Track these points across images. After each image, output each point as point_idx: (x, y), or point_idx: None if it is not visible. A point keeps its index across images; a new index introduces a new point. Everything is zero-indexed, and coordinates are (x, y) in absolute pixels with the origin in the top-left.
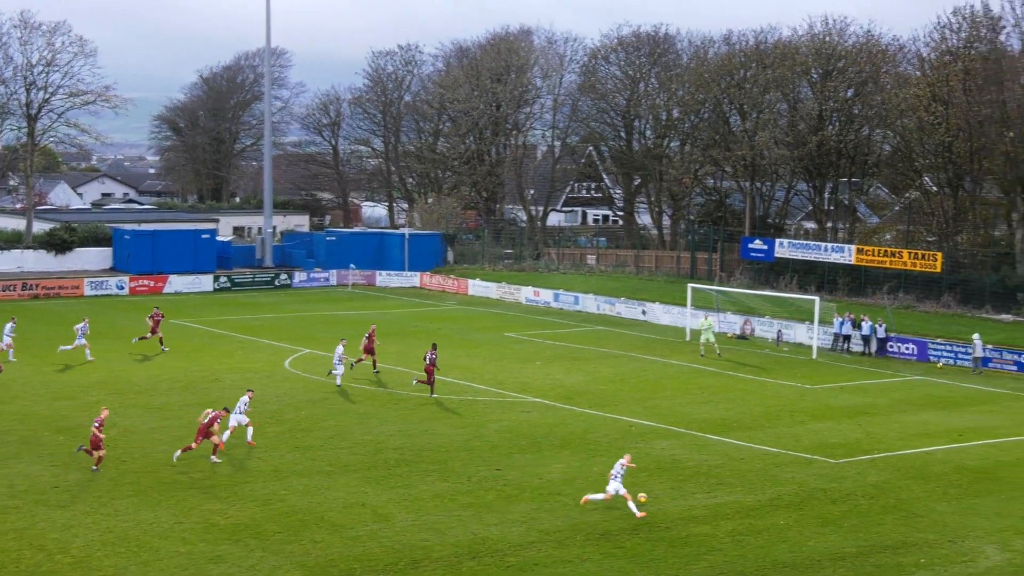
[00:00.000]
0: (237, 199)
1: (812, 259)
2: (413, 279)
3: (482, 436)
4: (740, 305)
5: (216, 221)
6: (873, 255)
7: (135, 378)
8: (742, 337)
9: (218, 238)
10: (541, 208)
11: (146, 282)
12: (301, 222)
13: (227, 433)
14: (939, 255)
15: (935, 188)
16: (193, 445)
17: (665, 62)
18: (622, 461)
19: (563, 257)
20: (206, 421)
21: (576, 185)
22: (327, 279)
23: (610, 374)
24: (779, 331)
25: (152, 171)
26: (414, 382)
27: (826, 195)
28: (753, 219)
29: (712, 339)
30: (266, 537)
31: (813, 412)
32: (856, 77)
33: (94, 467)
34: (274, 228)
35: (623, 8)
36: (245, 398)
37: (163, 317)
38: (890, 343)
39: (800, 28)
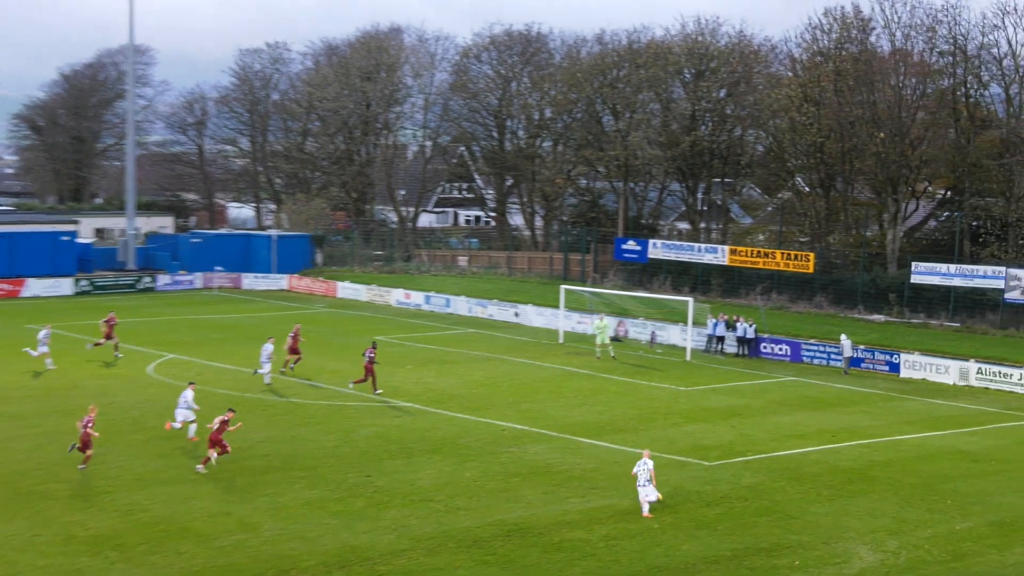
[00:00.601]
0: (99, 200)
1: (686, 260)
2: (281, 282)
3: (352, 442)
4: (614, 307)
5: (77, 223)
6: (746, 256)
7: None
8: (616, 339)
9: (79, 240)
10: (412, 209)
11: (3, 286)
12: (165, 223)
13: (178, 425)
14: (811, 256)
15: (807, 188)
16: (212, 456)
17: (537, 61)
18: (647, 464)
19: (434, 259)
20: (216, 427)
21: (447, 186)
22: (192, 282)
23: (482, 377)
24: (653, 333)
25: (9, 171)
26: (350, 385)
27: (699, 195)
28: (626, 220)
29: (607, 341)
30: (128, 549)
31: (688, 414)
32: (728, 77)
33: (81, 465)
34: (137, 230)
35: (495, 6)
36: (189, 393)
37: (117, 322)
38: (763, 344)
39: (673, 28)
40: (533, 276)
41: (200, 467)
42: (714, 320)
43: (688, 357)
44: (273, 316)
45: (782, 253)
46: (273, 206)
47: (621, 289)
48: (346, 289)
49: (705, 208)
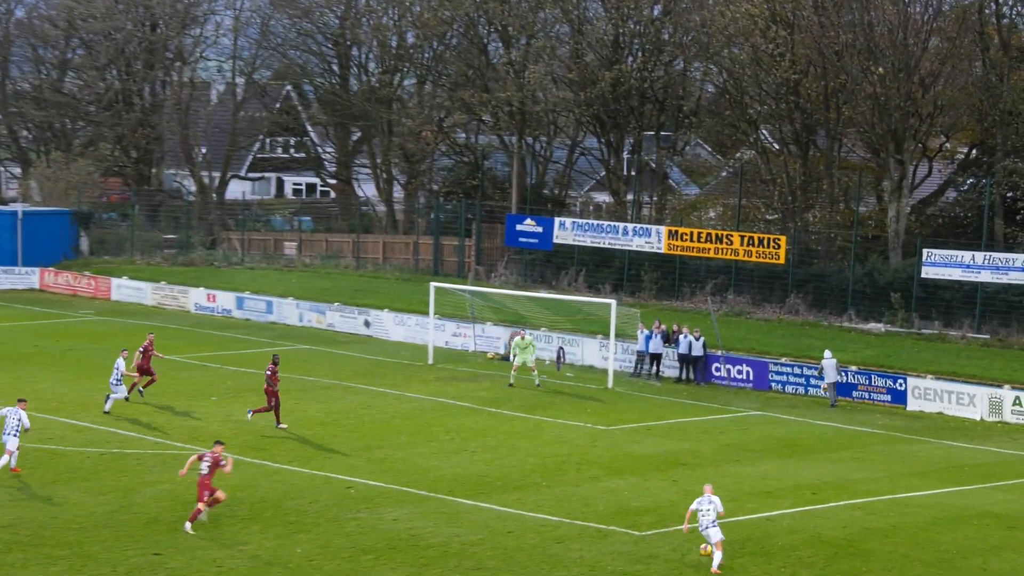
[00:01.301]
0: None
1: (606, 246)
2: (29, 278)
3: (133, 506)
4: (504, 312)
5: None
6: (691, 240)
7: None
8: (506, 358)
9: None
10: (217, 174)
11: None
12: None
13: (5, 458)
14: (783, 240)
15: (776, 146)
16: (201, 507)
17: None
18: (711, 499)
19: (250, 245)
20: (206, 471)
21: (268, 141)
22: None
23: (319, 413)
24: (560, 349)
25: None
26: (249, 415)
27: (625, 156)
28: (523, 190)
29: (531, 362)
30: None
31: (609, 464)
32: None
33: None
34: None
35: None
36: (18, 413)
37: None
38: (715, 364)
39: None
40: (391, 270)
41: (188, 525)
42: (647, 332)
43: (610, 383)
44: (15, 328)
45: (742, 236)
46: (18, 170)
47: (515, 288)
48: (124, 288)
49: (633, 173)
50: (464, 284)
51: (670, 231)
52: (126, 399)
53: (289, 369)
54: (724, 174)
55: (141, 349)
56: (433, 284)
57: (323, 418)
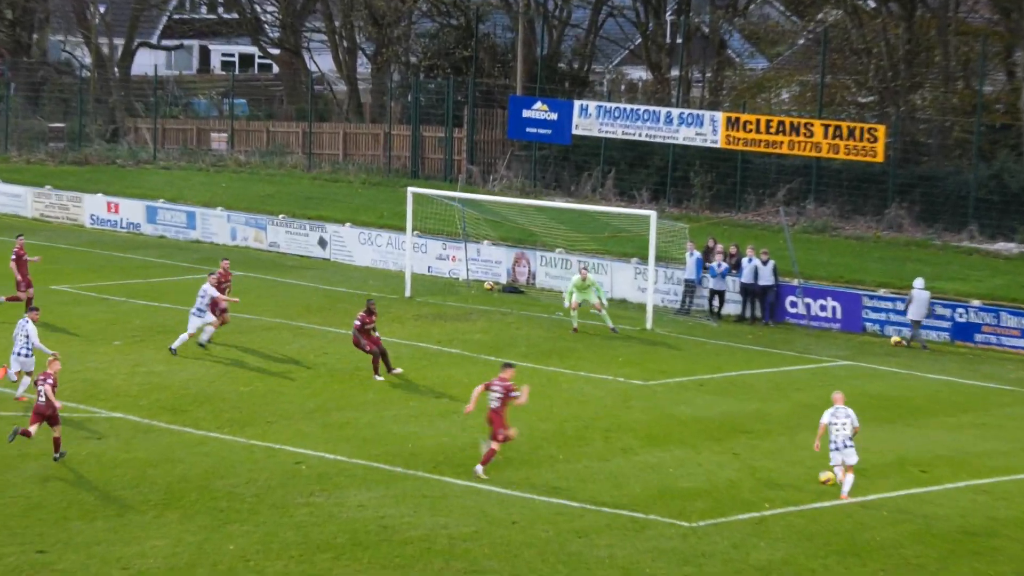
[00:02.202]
0: None
1: (643, 139)
2: None
3: (8, 487)
4: (507, 228)
5: None
6: (758, 131)
7: None
8: (512, 289)
9: None
10: (121, 42)
11: None
12: None
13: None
14: (880, 130)
15: (872, 4)
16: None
17: None
18: (847, 412)
19: (165, 137)
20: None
21: None
22: None
23: (259, 362)
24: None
25: None
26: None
27: (668, 16)
28: (531, 64)
29: (595, 300)
30: None
31: (648, 431)
32: None
33: None
34: None
35: None
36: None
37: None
38: (790, 297)
39: None
40: (354, 171)
41: (479, 468)
42: (696, 254)
43: (649, 323)
44: None
45: (825, 126)
46: None
47: (521, 195)
48: None
49: (680, 41)
50: (453, 190)
51: (729, 119)
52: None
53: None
54: (802, 42)
55: (13, 256)
56: (411, 190)
57: (265, 368)
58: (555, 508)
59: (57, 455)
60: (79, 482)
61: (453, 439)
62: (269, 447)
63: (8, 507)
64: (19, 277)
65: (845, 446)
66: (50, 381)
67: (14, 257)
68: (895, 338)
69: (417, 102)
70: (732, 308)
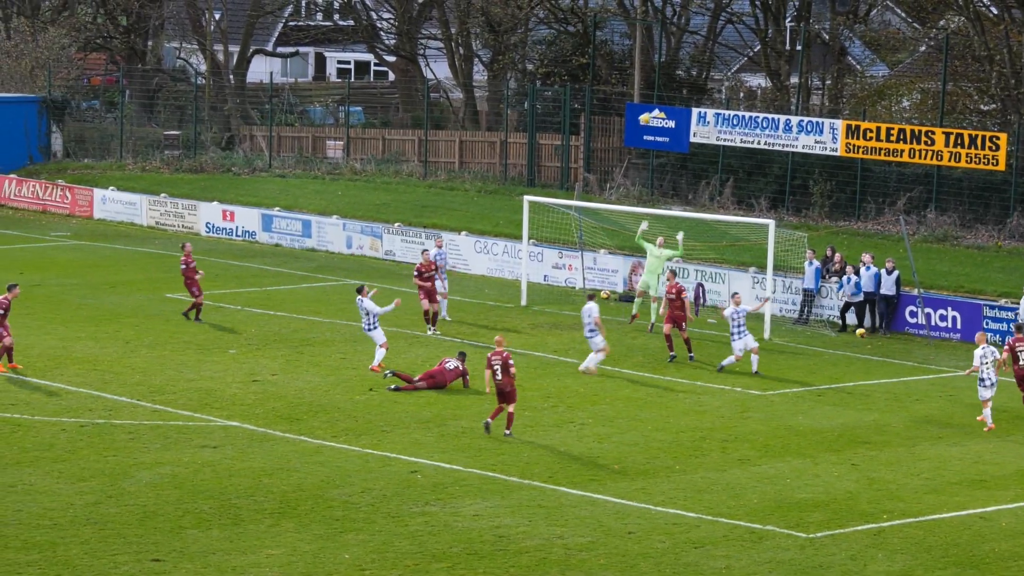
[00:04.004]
0: None
1: (762, 147)
2: None
3: (124, 495)
4: (623, 237)
5: None
6: (878, 139)
7: None
8: (629, 298)
9: None
10: (236, 49)
11: None
12: None
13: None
14: (1003, 138)
15: (995, 10)
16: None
17: None
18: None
19: (280, 145)
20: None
21: (304, 5)
22: None
23: (374, 373)
24: (699, 286)
25: None
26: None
27: (788, 23)
28: (648, 71)
29: (652, 291)
30: None
31: (765, 442)
32: None
33: None
34: None
35: None
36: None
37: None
38: (909, 308)
39: None
40: (470, 179)
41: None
42: (816, 263)
43: (767, 332)
44: None
45: (947, 134)
46: None
47: (638, 203)
48: (111, 203)
49: (799, 48)
50: (569, 198)
51: (849, 127)
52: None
53: (331, 312)
54: (923, 49)
55: (183, 262)
56: (527, 198)
57: (379, 378)
58: (671, 519)
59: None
60: (194, 491)
61: (569, 449)
62: (384, 456)
63: (123, 515)
64: (189, 283)
65: (992, 383)
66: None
67: (183, 267)
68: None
69: (533, 110)
70: (850, 318)
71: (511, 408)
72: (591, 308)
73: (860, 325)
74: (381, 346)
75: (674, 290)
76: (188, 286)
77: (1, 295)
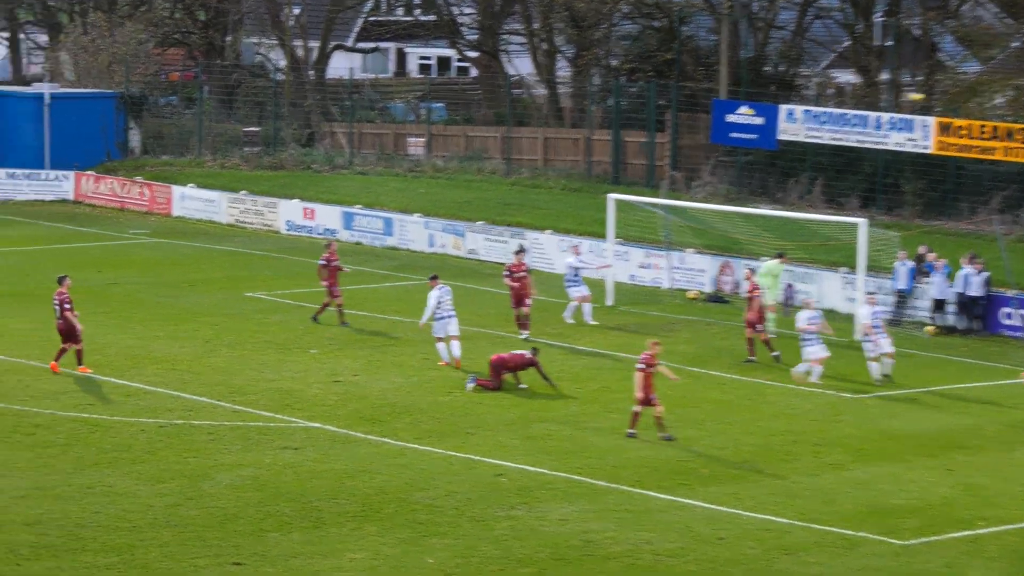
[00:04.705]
0: None
1: (852, 144)
2: (60, 185)
3: (204, 497)
4: (710, 236)
5: None
6: (972, 136)
7: None
8: (717, 298)
9: None
10: (316, 44)
11: None
12: None
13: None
14: None
15: None
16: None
17: None
18: None
19: (361, 141)
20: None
21: (385, 0)
22: None
23: (457, 374)
24: (788, 286)
25: None
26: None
27: (878, 18)
28: (735, 67)
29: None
30: None
31: (859, 446)
32: None
33: None
34: None
35: None
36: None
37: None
38: (1005, 309)
39: None
40: (554, 176)
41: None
42: (909, 263)
43: (858, 335)
44: (39, 254)
45: None
46: (44, 38)
47: (725, 201)
48: (190, 200)
49: (891, 43)
50: (655, 196)
51: (941, 124)
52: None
53: (414, 311)
54: (1016, 44)
55: (323, 261)
56: (612, 196)
57: (464, 379)
58: (762, 524)
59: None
60: (275, 493)
61: (657, 452)
62: (469, 459)
63: (203, 518)
64: (326, 283)
65: None
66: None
67: (323, 263)
68: None
69: (619, 106)
70: (949, 315)
71: (656, 411)
72: (807, 315)
73: (934, 323)
74: (453, 339)
75: (751, 289)
76: (329, 286)
77: (55, 292)
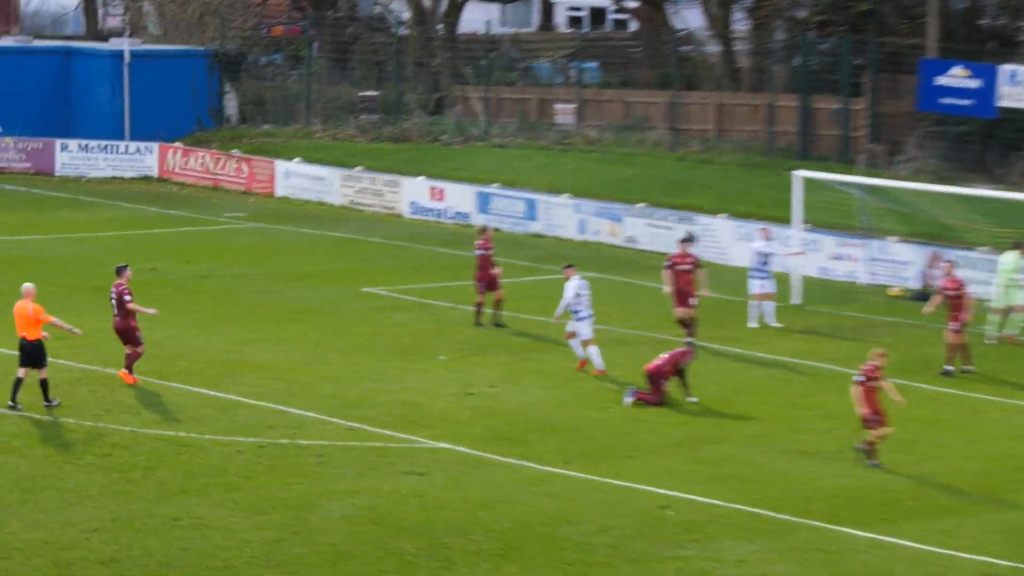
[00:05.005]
0: None
1: None
2: (142, 160)
3: (311, 532)
4: (917, 223)
5: None
6: None
7: None
8: (925, 296)
9: None
10: None
11: None
12: None
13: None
14: None
15: None
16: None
17: None
18: None
19: (499, 108)
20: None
21: None
22: None
23: (612, 385)
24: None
25: None
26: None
27: None
28: (946, 21)
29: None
30: None
31: None
32: None
33: None
34: None
35: None
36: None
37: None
38: None
39: None
40: (729, 149)
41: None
42: None
43: None
44: (117, 241)
45: None
46: None
47: (934, 180)
48: (295, 177)
49: None
50: (850, 174)
51: None
52: None
53: (549, 313)
54: None
55: (478, 247)
56: (798, 174)
57: (622, 391)
58: (981, 568)
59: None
60: (396, 527)
61: (856, 480)
62: (627, 487)
63: (311, 556)
64: (481, 275)
65: None
66: None
67: (480, 252)
68: None
69: (807, 66)
70: None
71: (872, 435)
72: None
73: None
74: (590, 344)
75: (954, 285)
76: (479, 279)
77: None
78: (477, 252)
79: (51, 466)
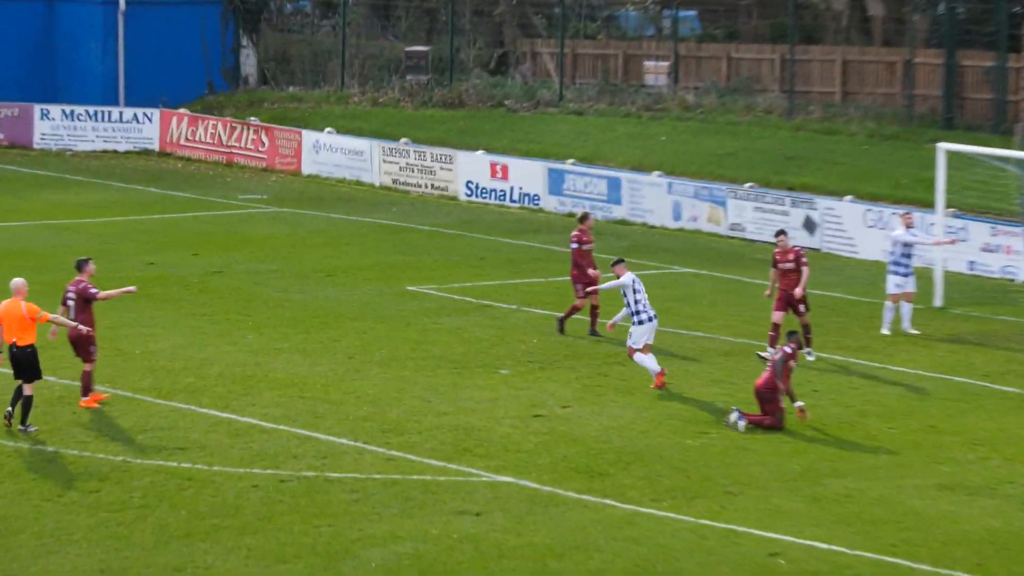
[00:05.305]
0: None
1: None
2: (142, 130)
3: None
4: None
5: None
6: None
7: None
8: None
9: None
10: None
11: None
12: None
13: None
14: None
15: None
16: None
17: None
18: None
19: (577, 67)
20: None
21: None
22: None
23: (699, 411)
24: None
25: None
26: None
27: None
28: None
29: None
30: None
31: None
32: None
33: None
34: None
35: None
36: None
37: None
38: None
39: None
40: (857, 116)
41: None
42: None
43: None
44: (111, 229)
45: None
46: None
47: None
48: (326, 152)
49: None
50: (1006, 147)
51: None
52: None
53: (658, 311)
54: None
55: (571, 240)
56: (943, 146)
57: (711, 419)
58: None
59: None
60: (445, 571)
61: (1007, 523)
62: (729, 529)
63: None
64: (578, 273)
65: None
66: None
67: (575, 245)
68: None
69: (953, 16)
70: None
71: None
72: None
73: None
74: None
75: None
76: (576, 279)
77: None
78: (571, 246)
79: (26, 504)
